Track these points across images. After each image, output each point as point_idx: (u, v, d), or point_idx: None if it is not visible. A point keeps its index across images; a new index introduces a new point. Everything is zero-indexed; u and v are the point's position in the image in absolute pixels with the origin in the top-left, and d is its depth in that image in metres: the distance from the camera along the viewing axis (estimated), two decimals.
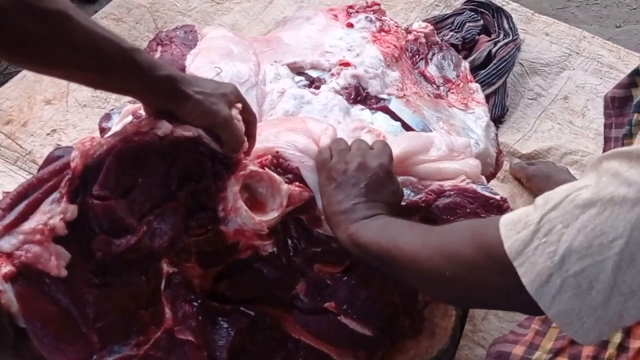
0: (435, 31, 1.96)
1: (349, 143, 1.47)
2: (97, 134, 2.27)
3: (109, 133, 1.53)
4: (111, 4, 2.67)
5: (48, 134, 2.29)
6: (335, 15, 1.91)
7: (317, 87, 1.72)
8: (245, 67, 1.71)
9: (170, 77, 1.24)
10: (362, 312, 1.47)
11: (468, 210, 1.43)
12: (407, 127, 1.69)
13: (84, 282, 1.22)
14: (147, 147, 1.25)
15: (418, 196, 1.46)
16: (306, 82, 1.74)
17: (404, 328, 1.55)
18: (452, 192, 1.46)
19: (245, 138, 1.37)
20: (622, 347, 1.39)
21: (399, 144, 1.53)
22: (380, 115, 1.70)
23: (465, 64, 1.90)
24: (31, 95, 2.36)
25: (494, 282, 1.02)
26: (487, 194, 1.45)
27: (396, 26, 1.91)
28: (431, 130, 1.70)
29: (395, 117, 1.70)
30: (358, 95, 1.72)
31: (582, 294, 0.92)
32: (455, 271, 1.07)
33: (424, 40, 1.88)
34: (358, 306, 1.47)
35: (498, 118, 2.41)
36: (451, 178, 1.49)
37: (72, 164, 1.19)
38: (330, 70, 1.77)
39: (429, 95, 1.82)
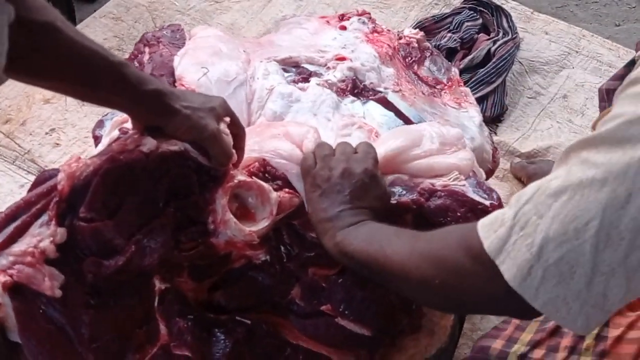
0: (425, 37, 1.95)
1: (339, 142, 1.47)
2: None
3: (98, 148, 1.53)
4: (110, 3, 2.66)
5: (47, 133, 2.29)
6: (328, 22, 1.90)
7: (307, 80, 1.70)
8: (233, 65, 1.67)
9: (157, 92, 1.24)
10: (359, 312, 1.46)
11: (458, 214, 1.42)
12: (401, 116, 1.68)
13: (79, 303, 1.22)
14: (134, 165, 1.24)
15: (410, 196, 1.45)
16: (295, 77, 1.72)
17: (402, 326, 1.55)
18: (443, 193, 1.44)
19: (234, 151, 1.37)
20: (600, 337, 1.38)
21: (388, 141, 1.51)
22: (373, 105, 1.68)
23: (455, 70, 1.89)
24: (30, 94, 2.36)
25: (483, 286, 1.02)
26: (477, 198, 1.44)
27: (388, 30, 1.90)
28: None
29: (388, 106, 1.68)
30: (355, 87, 1.70)
31: (565, 280, 0.93)
32: (445, 278, 1.07)
33: (416, 45, 1.87)
34: (355, 307, 1.46)
35: (497, 117, 2.40)
36: (444, 174, 1.48)
37: (59, 187, 1.18)
38: (325, 65, 1.75)
39: (423, 93, 1.80)
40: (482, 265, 1.00)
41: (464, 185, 1.46)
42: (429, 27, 2.57)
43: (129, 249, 1.24)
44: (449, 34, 2.51)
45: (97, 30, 2.53)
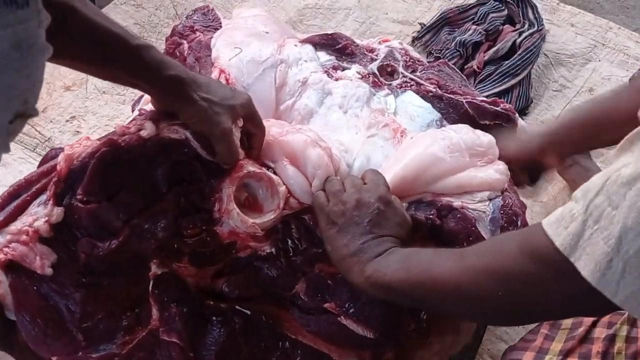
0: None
1: (362, 146, 1.43)
2: (117, 121, 2.29)
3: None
4: None
5: (67, 121, 2.30)
6: None
7: (349, 66, 1.69)
8: (269, 47, 1.63)
9: (177, 78, 1.24)
10: (364, 313, 1.42)
11: (465, 244, 1.38)
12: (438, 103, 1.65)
13: (71, 282, 1.24)
14: (132, 149, 1.24)
15: (425, 213, 1.42)
16: (335, 63, 1.70)
17: (408, 333, 1.49)
18: (458, 214, 1.42)
19: (242, 152, 1.36)
20: (629, 339, 1.35)
21: (407, 157, 1.47)
22: (409, 96, 1.66)
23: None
24: (50, 81, 2.37)
25: (554, 290, 0.98)
26: (484, 232, 1.42)
27: None
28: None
29: (426, 96, 1.65)
30: (411, 58, 1.73)
31: None
32: (510, 288, 1.03)
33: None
34: (359, 307, 1.42)
35: (522, 110, 2.37)
36: (475, 190, 1.46)
37: (58, 167, 1.20)
38: (371, 47, 1.76)
39: None
40: (549, 268, 0.96)
41: (484, 211, 1.43)
42: (453, 18, 2.55)
43: (123, 232, 1.24)
44: (474, 27, 2.47)
45: (117, 17, 2.52)
